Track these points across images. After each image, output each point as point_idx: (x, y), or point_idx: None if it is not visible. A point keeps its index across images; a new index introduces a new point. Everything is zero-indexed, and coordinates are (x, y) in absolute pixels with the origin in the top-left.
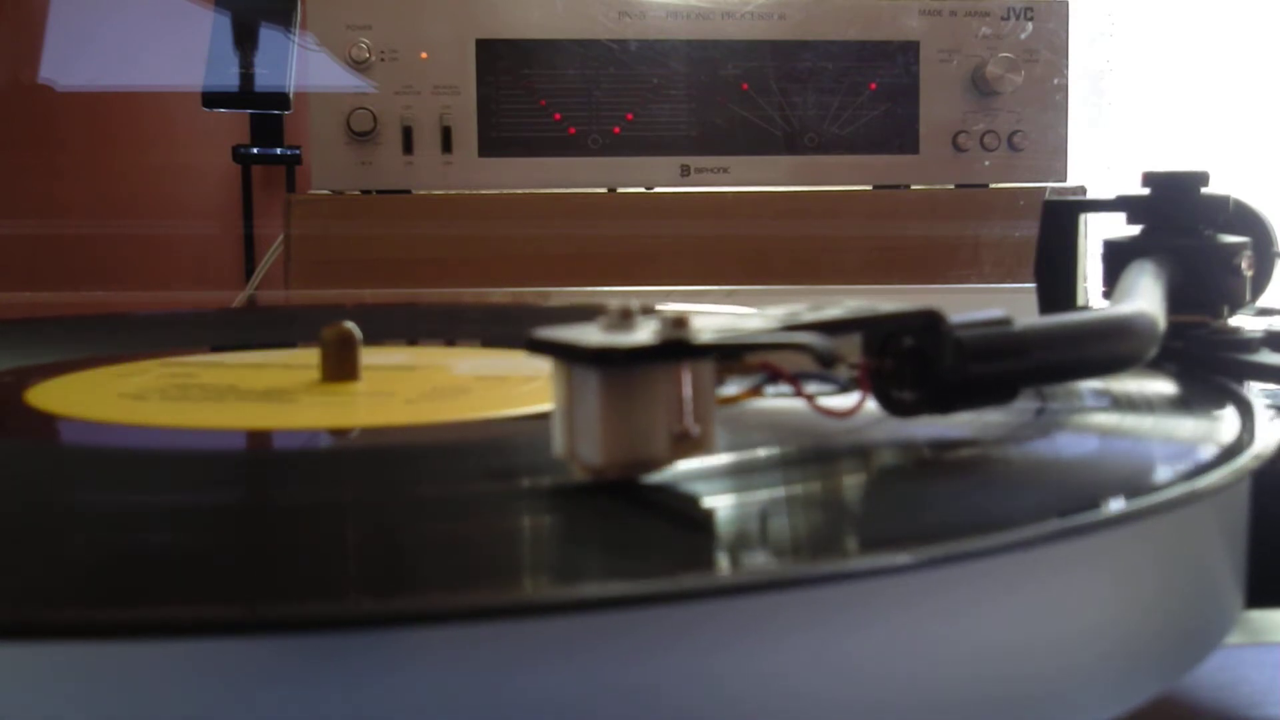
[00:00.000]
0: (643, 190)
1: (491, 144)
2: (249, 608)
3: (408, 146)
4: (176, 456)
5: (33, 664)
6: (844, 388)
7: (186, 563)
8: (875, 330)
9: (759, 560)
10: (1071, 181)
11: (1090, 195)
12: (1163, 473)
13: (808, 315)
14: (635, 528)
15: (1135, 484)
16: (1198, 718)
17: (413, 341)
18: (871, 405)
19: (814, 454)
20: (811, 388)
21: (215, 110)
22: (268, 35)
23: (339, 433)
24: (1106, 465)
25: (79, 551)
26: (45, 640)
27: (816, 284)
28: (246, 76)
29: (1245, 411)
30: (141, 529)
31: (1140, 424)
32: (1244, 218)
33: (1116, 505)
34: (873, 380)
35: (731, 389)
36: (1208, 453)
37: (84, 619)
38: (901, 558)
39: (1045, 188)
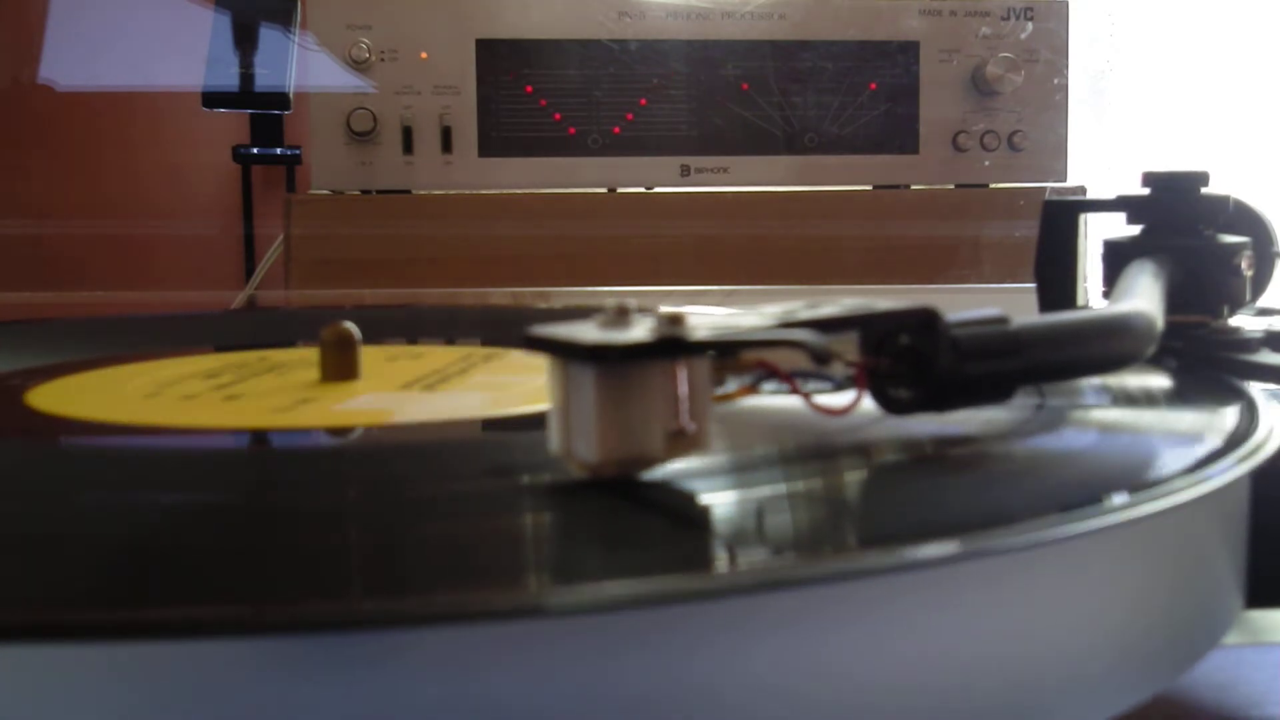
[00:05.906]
0: (643, 190)
1: (491, 144)
2: (251, 609)
3: (408, 146)
4: (177, 457)
5: (33, 666)
6: (840, 386)
7: (187, 564)
8: (872, 328)
9: (757, 558)
10: (1071, 181)
11: (1090, 195)
12: (1163, 471)
13: (804, 313)
14: (632, 525)
15: (1134, 482)
16: (1198, 718)
17: (413, 341)
18: (868, 403)
19: (810, 452)
20: (808, 386)
21: (215, 110)
22: (268, 35)
23: (339, 432)
24: (1106, 463)
25: (80, 553)
26: (46, 642)
27: (816, 284)
28: (246, 76)
29: (1246, 410)
30: (142, 530)
31: (1140, 421)
32: (1244, 218)
33: (1116, 504)
34: (869, 378)
35: (728, 386)
36: (1208, 451)
37: (85, 621)
38: (899, 557)
39: (1045, 188)
